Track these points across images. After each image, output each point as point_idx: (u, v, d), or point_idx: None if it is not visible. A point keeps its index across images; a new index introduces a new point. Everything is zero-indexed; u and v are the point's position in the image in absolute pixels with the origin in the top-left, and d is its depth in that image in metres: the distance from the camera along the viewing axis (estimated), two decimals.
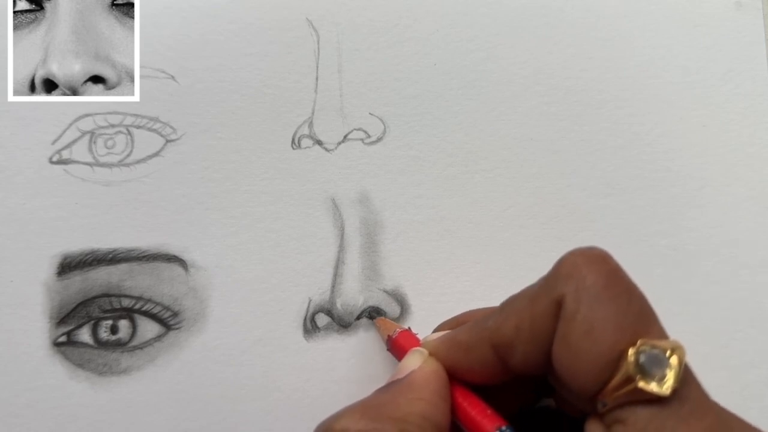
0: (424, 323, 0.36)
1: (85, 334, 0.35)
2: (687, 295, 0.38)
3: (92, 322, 0.35)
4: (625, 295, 0.23)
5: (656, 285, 0.38)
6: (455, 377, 0.27)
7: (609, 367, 0.22)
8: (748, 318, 0.38)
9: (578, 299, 0.23)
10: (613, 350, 0.22)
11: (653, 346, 0.22)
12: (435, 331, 0.32)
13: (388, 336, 0.33)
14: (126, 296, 0.35)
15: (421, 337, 0.32)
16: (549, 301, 0.24)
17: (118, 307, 0.35)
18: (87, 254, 0.35)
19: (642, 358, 0.22)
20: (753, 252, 0.39)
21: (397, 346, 0.32)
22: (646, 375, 0.21)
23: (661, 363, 0.22)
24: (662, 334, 0.23)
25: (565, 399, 0.27)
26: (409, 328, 0.34)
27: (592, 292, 0.23)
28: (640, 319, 0.23)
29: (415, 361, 0.27)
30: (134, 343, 0.35)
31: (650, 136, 0.39)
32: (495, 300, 0.37)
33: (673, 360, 0.22)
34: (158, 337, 0.35)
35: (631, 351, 0.22)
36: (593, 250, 0.24)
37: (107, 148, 0.36)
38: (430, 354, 0.28)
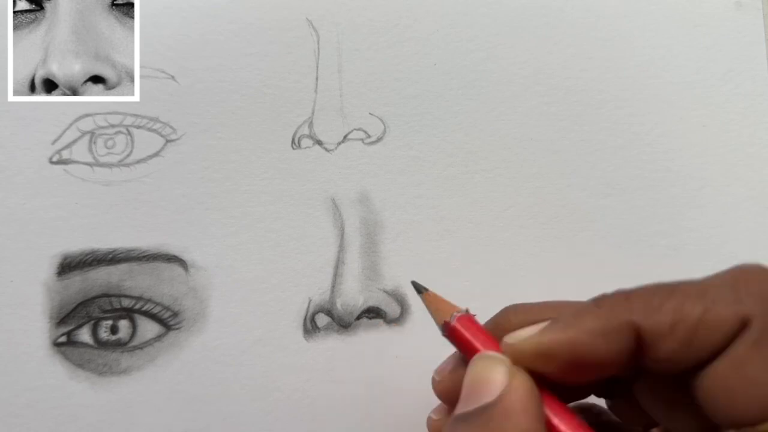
0: (424, 323, 0.36)
1: (85, 334, 0.35)
2: None
3: (92, 322, 0.35)
4: None
5: None
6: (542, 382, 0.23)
7: None
8: None
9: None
10: None
11: None
12: (500, 318, 0.26)
13: (447, 322, 0.26)
14: (126, 296, 0.35)
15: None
16: (733, 313, 0.21)
17: (118, 307, 0.35)
18: (87, 254, 0.35)
19: None
20: (753, 252, 0.39)
21: (464, 339, 0.25)
22: None
23: None
24: None
25: (633, 409, 0.25)
26: (467, 310, 0.27)
27: None
28: None
29: (500, 374, 0.23)
30: (134, 343, 0.35)
31: (650, 136, 0.39)
32: (494, 300, 0.37)
33: None
34: (158, 337, 0.35)
35: None
36: None
37: (107, 148, 0.36)
38: (515, 362, 0.23)
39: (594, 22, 0.40)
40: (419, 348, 0.36)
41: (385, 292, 0.36)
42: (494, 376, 0.22)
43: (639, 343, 0.22)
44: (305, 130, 0.37)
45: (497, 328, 0.25)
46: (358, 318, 0.36)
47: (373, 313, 0.36)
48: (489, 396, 0.22)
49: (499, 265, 0.38)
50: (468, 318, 0.26)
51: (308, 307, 0.36)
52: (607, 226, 0.38)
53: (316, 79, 0.38)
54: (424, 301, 0.28)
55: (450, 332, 0.26)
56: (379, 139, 0.38)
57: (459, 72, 0.39)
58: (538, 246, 0.38)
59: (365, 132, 0.38)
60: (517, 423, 0.21)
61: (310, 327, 0.36)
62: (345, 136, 0.37)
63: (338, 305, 0.36)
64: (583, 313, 0.23)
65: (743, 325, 0.21)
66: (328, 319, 0.36)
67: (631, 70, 0.40)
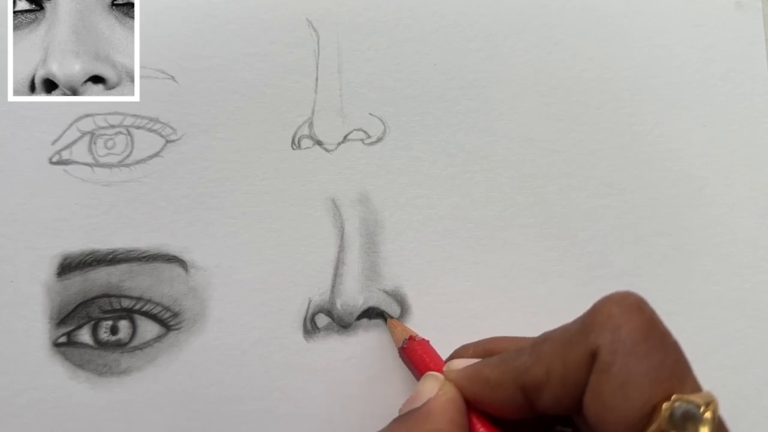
0: (424, 323, 0.36)
1: (85, 335, 0.35)
2: (687, 295, 0.38)
3: (92, 322, 0.35)
4: (660, 347, 0.23)
5: (656, 285, 0.38)
6: (474, 406, 0.27)
7: (642, 422, 0.22)
8: (748, 318, 0.38)
9: (613, 352, 0.23)
10: (646, 405, 0.22)
11: (687, 402, 0.22)
12: (455, 354, 0.31)
13: (402, 345, 0.33)
14: (126, 297, 0.35)
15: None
16: (583, 350, 0.24)
17: (118, 307, 0.35)
18: (87, 255, 0.35)
19: (676, 414, 0.22)
20: (753, 252, 0.39)
21: (414, 359, 0.32)
22: (680, 430, 0.21)
23: (695, 418, 0.22)
24: (696, 387, 0.23)
25: None
26: (429, 340, 0.33)
27: (627, 344, 0.23)
28: (675, 372, 0.23)
29: (431, 387, 0.27)
30: (134, 343, 0.35)
31: (650, 136, 0.39)
32: (495, 300, 0.37)
33: (707, 415, 0.22)
34: (158, 338, 0.35)
35: (665, 406, 0.22)
36: (629, 298, 0.24)
37: (107, 148, 0.36)
38: (451, 382, 0.27)
39: (594, 22, 0.40)
40: None
41: (385, 292, 0.36)
42: (426, 388, 0.27)
43: (526, 394, 0.25)
44: (305, 131, 0.37)
45: (478, 347, 0.31)
46: (358, 318, 0.36)
47: (373, 313, 0.36)
48: (419, 402, 0.27)
49: (499, 265, 0.38)
50: (420, 343, 0.32)
51: (308, 307, 0.36)
52: (607, 226, 0.38)
53: (316, 79, 0.38)
54: (388, 326, 0.36)
55: (402, 354, 0.33)
56: (379, 140, 0.38)
57: (459, 72, 0.39)
58: (538, 246, 0.38)
59: (365, 132, 0.38)
60: (434, 423, 0.26)
61: (310, 327, 0.36)
62: (345, 137, 0.37)
63: (338, 305, 0.36)
64: (493, 364, 0.27)
65: (593, 358, 0.23)
66: (328, 319, 0.36)
67: (631, 70, 0.40)
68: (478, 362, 0.28)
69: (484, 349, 0.30)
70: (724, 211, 0.39)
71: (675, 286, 0.38)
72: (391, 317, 0.36)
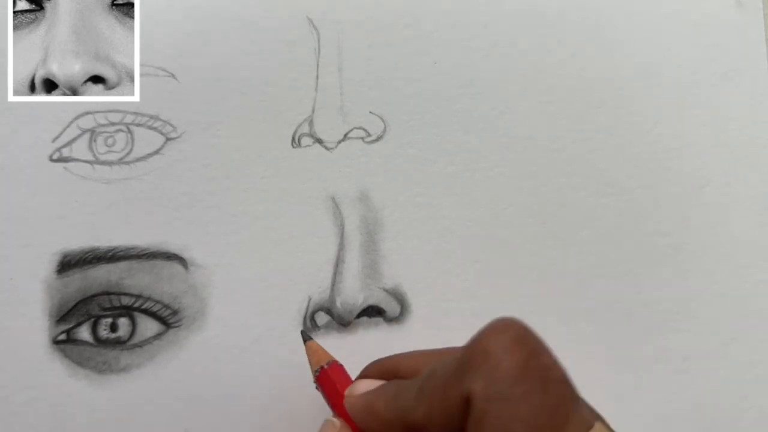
0: (424, 322, 0.36)
1: (84, 332, 0.35)
2: (687, 295, 0.38)
3: (92, 320, 0.35)
4: (541, 386, 0.21)
5: (656, 285, 0.38)
6: None
7: None
8: (748, 318, 0.38)
9: (487, 398, 0.21)
10: None
11: None
12: (363, 374, 0.29)
13: (316, 371, 0.30)
14: (126, 294, 0.35)
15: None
16: (458, 395, 0.22)
17: (118, 305, 0.35)
18: (87, 252, 0.35)
19: None
20: (753, 252, 0.39)
21: (326, 387, 0.29)
22: None
23: None
24: (582, 421, 0.22)
25: None
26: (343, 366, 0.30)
27: (502, 388, 0.21)
28: (557, 411, 0.21)
29: None
30: (134, 341, 0.35)
31: (650, 136, 0.39)
32: (495, 299, 0.37)
33: None
34: (158, 335, 0.35)
35: None
36: (509, 329, 0.22)
37: (107, 146, 0.36)
38: (350, 412, 0.26)
39: (594, 22, 0.40)
40: (419, 346, 0.36)
41: (385, 290, 0.36)
42: None
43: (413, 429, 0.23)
44: (305, 129, 0.37)
45: (383, 367, 0.29)
46: (358, 316, 0.36)
47: (373, 311, 0.36)
48: None
49: (499, 265, 0.38)
50: (333, 368, 0.29)
51: (308, 305, 0.36)
52: (607, 226, 0.38)
53: (317, 77, 0.38)
54: (306, 349, 0.31)
55: (318, 383, 0.29)
56: (379, 138, 0.38)
57: (459, 71, 0.39)
58: (538, 245, 0.38)
59: (365, 130, 0.38)
60: None
61: (310, 325, 0.36)
62: (345, 135, 0.37)
63: (338, 304, 0.36)
64: (384, 397, 0.25)
65: (468, 404, 0.21)
66: (327, 317, 0.36)
67: (631, 70, 0.40)
68: (373, 392, 0.26)
69: (389, 370, 0.28)
70: (724, 211, 0.39)
71: (675, 286, 0.38)
72: (310, 338, 0.31)
